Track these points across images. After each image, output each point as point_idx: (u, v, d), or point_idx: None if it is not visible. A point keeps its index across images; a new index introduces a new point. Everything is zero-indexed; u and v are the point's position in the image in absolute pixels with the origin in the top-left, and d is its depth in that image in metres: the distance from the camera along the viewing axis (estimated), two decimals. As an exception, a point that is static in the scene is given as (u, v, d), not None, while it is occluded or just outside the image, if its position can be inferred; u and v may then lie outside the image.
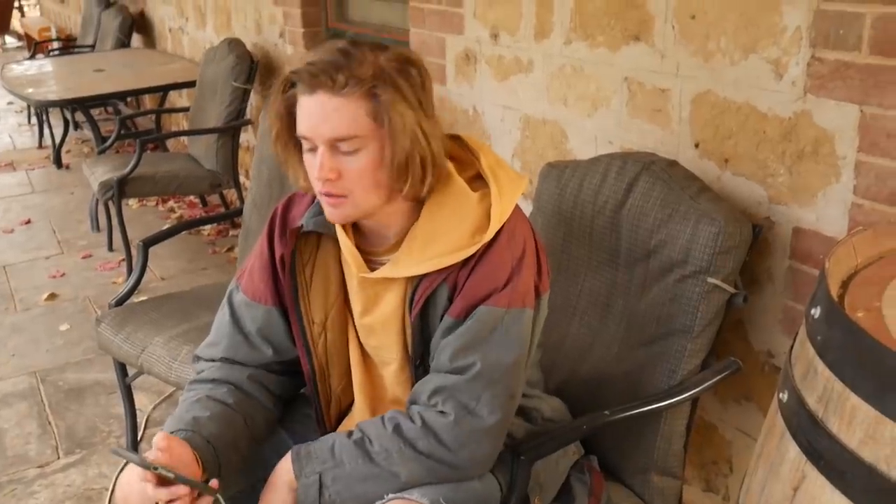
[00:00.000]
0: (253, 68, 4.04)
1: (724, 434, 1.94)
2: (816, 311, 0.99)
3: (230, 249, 4.16)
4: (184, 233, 4.36)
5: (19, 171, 5.83)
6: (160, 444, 1.22)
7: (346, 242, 1.39)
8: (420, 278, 1.33)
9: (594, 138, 2.15)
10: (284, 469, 1.36)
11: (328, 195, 1.29)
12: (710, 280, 1.57)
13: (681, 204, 1.64)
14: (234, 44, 4.12)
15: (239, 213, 2.88)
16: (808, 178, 1.63)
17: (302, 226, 1.41)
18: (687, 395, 1.55)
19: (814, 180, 1.62)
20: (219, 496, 1.24)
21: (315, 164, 1.27)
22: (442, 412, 1.30)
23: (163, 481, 1.18)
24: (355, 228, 1.41)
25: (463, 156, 1.39)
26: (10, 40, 12.00)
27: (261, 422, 1.47)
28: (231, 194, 4.51)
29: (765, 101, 1.68)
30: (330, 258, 1.46)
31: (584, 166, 1.86)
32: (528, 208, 1.98)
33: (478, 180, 1.37)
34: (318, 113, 1.25)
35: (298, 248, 1.43)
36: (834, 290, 1.00)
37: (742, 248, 1.59)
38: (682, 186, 1.68)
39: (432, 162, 1.29)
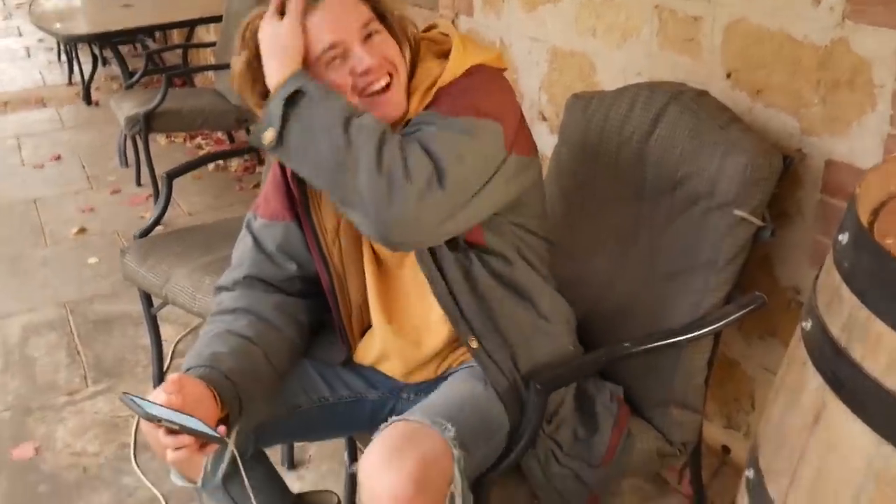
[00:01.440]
0: None
1: (747, 370, 1.92)
2: (844, 238, 0.95)
3: (256, 186, 4.16)
4: (211, 169, 4.40)
5: (49, 108, 5.85)
6: (170, 387, 1.22)
7: None
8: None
9: (623, 70, 2.09)
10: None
11: (378, 89, 1.32)
12: (737, 212, 1.53)
13: (709, 134, 1.59)
14: (261, -24, 4.06)
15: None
16: (843, 108, 1.57)
17: None
18: (709, 328, 1.52)
19: (849, 110, 1.56)
20: (227, 439, 1.24)
21: (357, 62, 1.31)
22: (410, 150, 1.25)
23: (171, 430, 1.19)
24: None
25: (439, 38, 1.46)
26: (40, -23, 11.97)
27: (283, 353, 1.47)
28: (258, 131, 4.49)
29: (800, 28, 1.62)
30: None
31: (610, 97, 1.81)
32: (552, 140, 1.94)
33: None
34: (338, 13, 1.31)
35: None
36: (864, 217, 0.96)
37: (771, 180, 1.54)
38: (711, 117, 1.63)
39: (416, 41, 1.40)
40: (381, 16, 1.36)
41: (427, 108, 1.35)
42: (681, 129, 1.63)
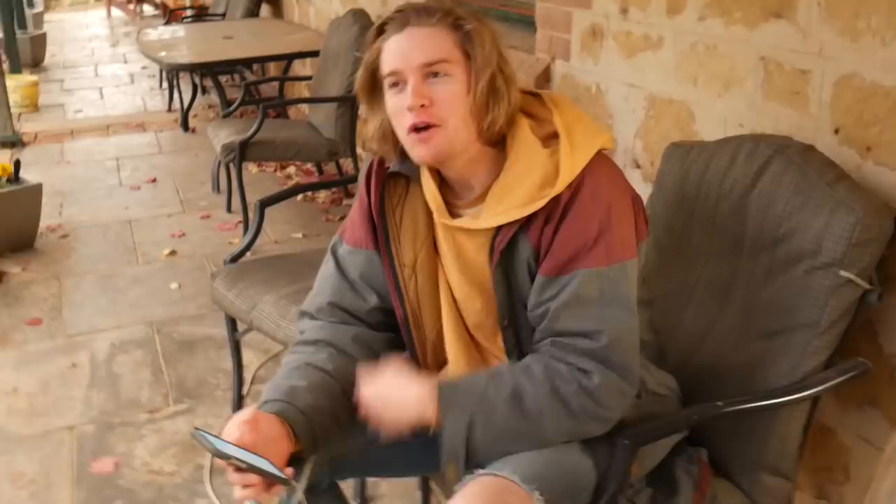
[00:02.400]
0: (376, 39, 4.05)
1: (843, 440, 1.83)
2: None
3: (342, 217, 4.21)
4: (299, 200, 4.47)
5: (149, 132, 6.07)
6: (244, 425, 1.24)
7: (429, 185, 1.41)
8: (496, 231, 1.35)
9: (724, 121, 2.05)
10: (416, 397, 1.33)
11: (418, 128, 1.31)
12: (843, 273, 1.47)
13: (816, 191, 1.54)
14: (359, 14, 4.15)
15: (354, 179, 2.91)
16: (962, 170, 1.50)
17: (388, 167, 1.45)
18: (809, 392, 1.46)
19: (967, 173, 1.49)
20: (294, 482, 1.25)
21: (405, 95, 1.31)
22: (587, 372, 1.29)
23: (240, 468, 1.20)
24: (441, 179, 1.42)
25: (541, 112, 1.40)
26: (147, 9, 12.52)
27: None
28: (347, 164, 4.57)
29: (918, 85, 1.56)
30: (418, 202, 1.47)
31: (711, 147, 1.77)
32: (648, 190, 1.91)
33: (556, 137, 1.36)
34: (407, 44, 1.31)
35: (388, 191, 1.46)
36: None
37: (881, 241, 1.48)
38: (818, 173, 1.57)
39: (507, 101, 1.33)
40: (466, 54, 1.33)
41: (554, 224, 1.31)
42: (785, 184, 1.58)
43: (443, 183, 1.43)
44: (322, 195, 4.55)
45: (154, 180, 4.97)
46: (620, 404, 1.33)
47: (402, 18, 1.33)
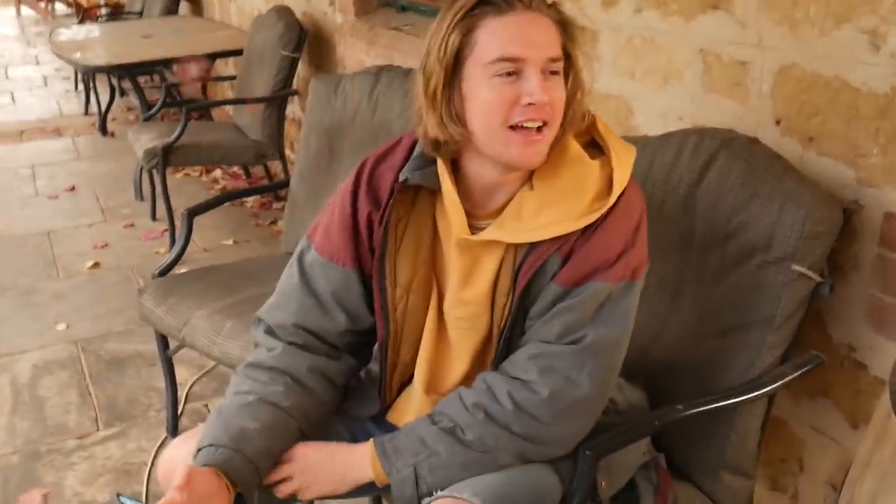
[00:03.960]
0: (302, 37, 3.95)
1: (796, 431, 1.83)
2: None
3: (273, 222, 4.11)
4: (227, 204, 4.32)
5: (65, 138, 5.83)
6: (177, 490, 1.16)
7: (451, 194, 1.29)
8: (530, 248, 1.26)
9: (663, 114, 2.02)
10: (359, 462, 1.30)
11: (537, 128, 1.20)
12: (796, 267, 1.45)
13: (764, 185, 1.52)
14: (283, 12, 4.04)
15: (285, 184, 2.81)
16: (906, 159, 1.50)
17: (405, 179, 1.31)
18: (767, 389, 1.44)
19: (912, 162, 1.49)
20: None
21: (525, 86, 1.18)
22: (533, 388, 1.23)
23: None
24: (459, 187, 1.31)
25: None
26: (59, 7, 12.07)
27: (316, 420, 1.39)
28: (275, 166, 4.45)
29: (858, 74, 1.55)
30: (425, 217, 1.36)
31: (654, 142, 1.75)
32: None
33: (590, 147, 1.30)
34: (533, 29, 1.19)
35: (393, 206, 1.33)
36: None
37: (832, 233, 1.47)
38: (764, 166, 1.55)
39: (584, 112, 1.28)
40: (568, 58, 1.24)
41: (587, 235, 1.25)
42: (733, 178, 1.56)
43: (459, 190, 1.31)
44: (251, 200, 4.42)
45: (73, 188, 4.77)
46: (573, 422, 1.27)
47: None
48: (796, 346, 1.59)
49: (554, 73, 1.22)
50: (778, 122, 1.74)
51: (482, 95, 1.20)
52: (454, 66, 1.21)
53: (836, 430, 1.72)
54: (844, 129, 1.60)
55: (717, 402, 1.41)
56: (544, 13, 1.22)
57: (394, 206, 1.33)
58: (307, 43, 4.02)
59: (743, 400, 1.43)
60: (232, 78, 4.73)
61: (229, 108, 4.84)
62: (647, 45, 2.04)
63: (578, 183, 1.26)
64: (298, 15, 4.08)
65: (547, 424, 1.24)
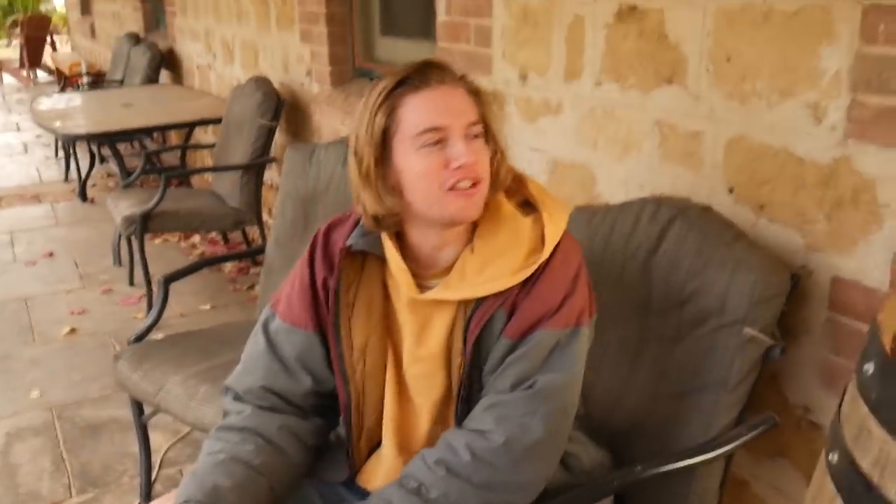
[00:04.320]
0: (279, 106, 4.05)
1: (757, 491, 1.87)
2: (869, 367, 0.93)
3: (251, 287, 4.14)
4: (205, 269, 4.36)
5: (44, 204, 5.87)
6: None
7: (396, 260, 1.37)
8: (476, 304, 1.33)
9: (624, 182, 2.11)
10: None
11: (469, 186, 1.28)
12: (748, 331, 1.51)
13: (716, 251, 1.59)
14: (262, 81, 4.14)
15: (261, 250, 2.86)
16: (848, 225, 1.57)
17: (350, 246, 1.39)
18: (722, 450, 1.48)
19: (854, 228, 1.57)
20: None
21: (452, 152, 1.27)
22: (488, 437, 1.28)
23: None
24: (404, 252, 1.38)
25: (510, 184, 1.41)
26: (41, 75, 12.21)
27: (287, 480, 1.43)
28: (253, 231, 4.51)
29: (802, 146, 1.64)
30: (374, 281, 1.43)
31: (615, 210, 1.82)
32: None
33: (524, 206, 1.39)
34: (449, 100, 1.29)
35: (342, 271, 1.41)
36: (888, 345, 0.94)
37: (780, 297, 1.53)
38: (717, 233, 1.63)
39: (509, 170, 1.36)
40: (485, 126, 1.34)
41: (528, 288, 1.32)
42: (687, 245, 1.63)
43: (404, 254, 1.39)
44: (229, 265, 4.46)
45: (51, 254, 4.79)
46: (532, 466, 1.30)
47: (425, 75, 1.30)
48: (753, 407, 1.65)
49: (476, 136, 1.31)
50: (731, 191, 1.82)
51: (414, 167, 1.29)
52: (382, 144, 1.30)
53: (794, 490, 1.76)
54: (792, 197, 1.68)
55: (673, 463, 1.46)
56: (458, 85, 1.32)
57: (342, 271, 1.40)
58: (285, 111, 4.12)
59: (698, 461, 1.47)
60: (211, 146, 4.81)
61: (209, 176, 4.91)
62: (607, 116, 2.13)
63: (513, 239, 1.33)
64: (276, 85, 4.19)
65: (506, 471, 1.28)
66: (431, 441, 1.41)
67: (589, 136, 2.20)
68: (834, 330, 1.64)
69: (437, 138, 1.28)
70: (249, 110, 4.06)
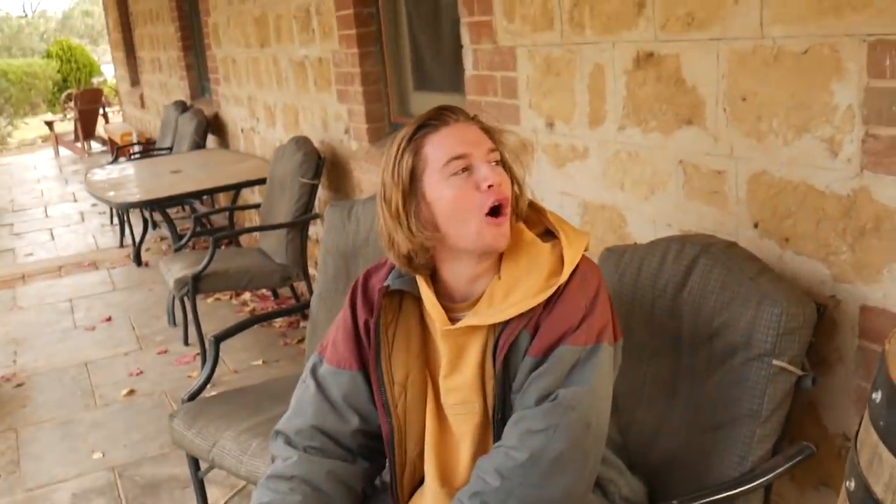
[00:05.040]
0: (320, 164, 4.17)
1: (804, 522, 1.87)
2: (877, 396, 0.97)
3: (301, 341, 4.23)
4: (255, 326, 4.47)
5: (101, 270, 6.07)
6: None
7: (428, 295, 1.46)
8: (503, 326, 1.40)
9: (653, 221, 2.15)
10: None
11: (493, 211, 1.38)
12: (776, 362, 1.54)
13: (741, 286, 1.62)
14: (302, 141, 4.28)
15: (307, 305, 2.94)
16: (872, 254, 1.60)
17: (388, 286, 1.49)
18: (758, 482, 1.51)
19: (878, 257, 1.59)
20: None
21: (480, 174, 1.39)
22: (512, 454, 1.33)
23: None
24: (437, 289, 1.47)
25: (530, 215, 1.50)
26: (95, 145, 12.66)
27: None
28: (301, 286, 4.61)
29: (821, 179, 1.67)
30: (412, 318, 1.52)
31: (642, 250, 1.87)
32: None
33: (545, 235, 1.47)
34: (466, 133, 1.42)
35: (381, 310, 1.49)
36: (894, 374, 0.98)
37: (807, 328, 1.56)
38: (741, 268, 1.66)
39: (523, 201, 1.46)
40: (501, 156, 1.45)
41: (549, 308, 1.39)
42: (713, 281, 1.67)
43: (438, 290, 1.48)
44: (279, 320, 4.57)
45: (109, 319, 4.96)
46: (561, 480, 1.32)
47: (442, 116, 1.43)
48: (793, 437, 1.66)
49: (496, 162, 1.42)
50: (756, 225, 1.85)
51: (447, 194, 1.39)
52: (411, 184, 1.40)
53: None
54: (815, 229, 1.71)
55: (711, 496, 1.48)
56: (472, 122, 1.46)
57: (381, 310, 1.48)
58: (326, 169, 4.24)
59: (736, 493, 1.49)
60: (257, 206, 4.96)
61: (256, 234, 5.05)
62: (632, 158, 2.18)
63: (534, 264, 1.42)
64: (316, 143, 4.32)
65: (534, 485, 1.32)
66: (472, 469, 1.45)
67: (615, 178, 2.26)
68: (865, 358, 1.65)
69: (464, 165, 1.39)
70: (291, 170, 4.20)
